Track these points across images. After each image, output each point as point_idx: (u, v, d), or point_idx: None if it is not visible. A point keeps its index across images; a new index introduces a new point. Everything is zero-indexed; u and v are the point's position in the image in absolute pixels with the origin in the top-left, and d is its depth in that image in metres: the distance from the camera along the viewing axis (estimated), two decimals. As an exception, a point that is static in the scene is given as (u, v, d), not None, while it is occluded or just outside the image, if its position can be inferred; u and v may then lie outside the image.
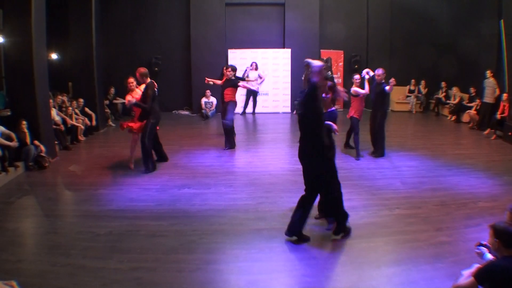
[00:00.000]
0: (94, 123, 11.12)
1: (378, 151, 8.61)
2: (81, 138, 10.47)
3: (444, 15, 14.33)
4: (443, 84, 14.29)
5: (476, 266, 3.21)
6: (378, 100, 8.53)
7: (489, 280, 2.91)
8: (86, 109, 11.14)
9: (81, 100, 11.07)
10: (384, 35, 15.30)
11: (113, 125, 12.44)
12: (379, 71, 8.44)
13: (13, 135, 7.61)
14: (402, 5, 14.84)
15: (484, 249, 3.41)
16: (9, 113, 8.46)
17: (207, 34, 14.56)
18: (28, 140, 7.84)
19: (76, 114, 10.52)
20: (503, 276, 2.86)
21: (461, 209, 5.89)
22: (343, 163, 8.16)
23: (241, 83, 9.63)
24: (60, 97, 10.42)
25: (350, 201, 6.06)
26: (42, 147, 8.03)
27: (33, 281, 4.01)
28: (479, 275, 2.95)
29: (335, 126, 5.05)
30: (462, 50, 13.30)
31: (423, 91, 15.11)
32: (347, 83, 15.14)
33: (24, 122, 7.88)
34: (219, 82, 9.88)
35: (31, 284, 3.93)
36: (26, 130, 7.87)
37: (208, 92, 13.88)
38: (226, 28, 14.85)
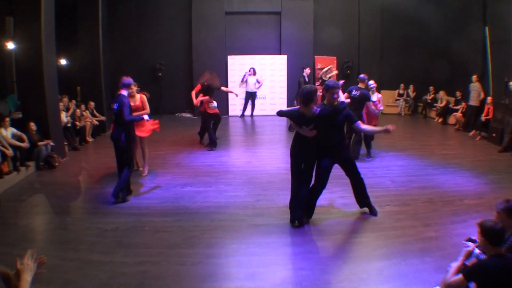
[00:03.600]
0: (99, 116, 11.16)
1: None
2: (89, 139, 10.47)
3: (433, 23, 14.35)
4: (431, 88, 14.31)
5: (461, 258, 3.21)
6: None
7: (478, 278, 2.87)
8: (94, 112, 11.15)
9: (92, 103, 11.09)
10: (375, 41, 15.35)
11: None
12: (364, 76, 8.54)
13: (24, 136, 7.61)
14: (392, 14, 14.88)
15: (471, 244, 3.40)
16: (20, 116, 8.45)
17: (208, 41, 14.55)
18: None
19: (83, 115, 10.50)
20: (490, 274, 2.82)
21: (448, 206, 5.90)
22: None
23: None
24: (65, 99, 10.37)
25: (343, 198, 6.09)
26: (50, 142, 8.08)
27: (43, 275, 3.96)
28: (468, 273, 2.91)
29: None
30: (450, 56, 13.33)
31: (412, 94, 15.14)
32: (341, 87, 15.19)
33: (32, 124, 7.88)
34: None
35: (41, 277, 3.88)
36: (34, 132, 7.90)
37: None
38: (226, 35, 14.85)
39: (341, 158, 5.39)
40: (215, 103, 9.50)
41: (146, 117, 6.86)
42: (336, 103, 5.19)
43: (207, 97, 9.25)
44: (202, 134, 10.05)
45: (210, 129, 9.51)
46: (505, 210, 3.22)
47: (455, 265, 3.14)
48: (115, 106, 6.16)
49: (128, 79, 6.37)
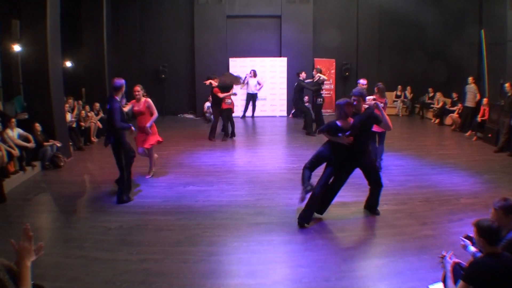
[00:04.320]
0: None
1: None
2: (94, 139, 10.47)
3: (430, 26, 14.37)
4: (430, 89, 14.29)
5: (445, 254, 3.21)
6: None
7: (477, 279, 2.84)
8: (100, 112, 11.14)
9: (97, 104, 11.08)
10: (373, 44, 15.35)
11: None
12: (363, 81, 8.35)
13: (30, 136, 7.61)
14: (390, 16, 14.87)
15: (468, 242, 3.39)
16: (26, 116, 8.46)
17: (210, 44, 14.57)
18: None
19: (88, 116, 10.50)
20: (488, 273, 2.80)
21: (444, 205, 5.89)
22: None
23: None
24: (70, 100, 10.38)
25: (342, 197, 6.06)
26: (57, 143, 8.09)
27: (49, 272, 4.00)
28: (467, 277, 2.89)
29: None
30: (446, 58, 13.34)
31: (409, 96, 15.13)
32: (339, 89, 15.21)
33: (37, 124, 7.89)
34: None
35: (47, 275, 3.91)
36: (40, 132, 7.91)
37: (211, 97, 13.88)
38: (228, 38, 14.86)
39: (366, 163, 5.38)
40: (229, 100, 10.58)
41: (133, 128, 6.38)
42: (362, 109, 5.24)
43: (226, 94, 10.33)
44: (225, 130, 10.72)
45: (226, 122, 10.60)
46: (502, 208, 3.21)
47: (449, 275, 3.15)
48: (108, 106, 5.98)
49: (119, 81, 5.97)
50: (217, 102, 10.45)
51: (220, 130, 10.85)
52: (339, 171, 5.30)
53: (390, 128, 5.30)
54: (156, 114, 7.02)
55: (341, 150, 5.15)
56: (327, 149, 5.38)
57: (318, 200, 5.24)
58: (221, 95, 10.26)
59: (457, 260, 3.28)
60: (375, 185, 5.51)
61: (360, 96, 5.27)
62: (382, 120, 5.14)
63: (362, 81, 8.22)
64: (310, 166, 5.48)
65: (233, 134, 10.85)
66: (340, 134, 5.08)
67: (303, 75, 11.71)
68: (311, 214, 5.29)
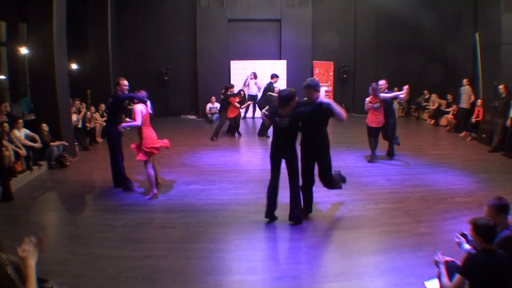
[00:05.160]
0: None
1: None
2: (99, 139, 10.47)
3: (426, 29, 14.34)
4: (426, 92, 14.28)
5: (444, 272, 3.18)
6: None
7: (472, 275, 2.85)
8: (105, 114, 11.14)
9: (102, 105, 11.08)
10: (371, 47, 15.32)
11: (128, 128, 12.32)
12: (382, 82, 8.25)
13: (37, 137, 7.63)
14: (387, 20, 14.84)
15: (462, 239, 3.39)
16: (33, 117, 8.47)
17: (211, 46, 14.56)
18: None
19: (93, 117, 10.50)
20: (483, 269, 2.80)
21: (440, 203, 5.89)
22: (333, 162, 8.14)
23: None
24: (77, 102, 10.39)
25: (339, 196, 6.08)
26: (64, 143, 8.15)
27: (55, 269, 4.01)
28: (463, 271, 2.89)
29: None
30: (442, 60, 13.33)
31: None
32: (337, 91, 15.20)
33: (44, 125, 7.90)
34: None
35: (53, 271, 3.92)
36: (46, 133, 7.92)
37: (213, 98, 13.90)
38: (229, 41, 14.85)
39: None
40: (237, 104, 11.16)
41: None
42: (316, 100, 5.01)
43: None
44: (234, 130, 11.36)
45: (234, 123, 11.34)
46: (495, 206, 3.22)
47: (443, 272, 3.14)
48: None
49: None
50: (226, 107, 10.77)
51: (226, 130, 11.13)
52: (296, 163, 5.29)
53: (343, 119, 4.91)
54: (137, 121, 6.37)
55: (286, 142, 5.24)
56: (272, 146, 5.46)
57: (299, 199, 5.19)
58: (237, 104, 10.90)
59: (449, 259, 3.28)
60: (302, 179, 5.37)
61: (308, 88, 4.97)
62: (334, 112, 4.87)
63: (381, 82, 8.21)
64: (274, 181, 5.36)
65: (238, 132, 11.42)
66: (266, 113, 5.22)
67: (275, 80, 11.75)
68: (301, 211, 5.25)
